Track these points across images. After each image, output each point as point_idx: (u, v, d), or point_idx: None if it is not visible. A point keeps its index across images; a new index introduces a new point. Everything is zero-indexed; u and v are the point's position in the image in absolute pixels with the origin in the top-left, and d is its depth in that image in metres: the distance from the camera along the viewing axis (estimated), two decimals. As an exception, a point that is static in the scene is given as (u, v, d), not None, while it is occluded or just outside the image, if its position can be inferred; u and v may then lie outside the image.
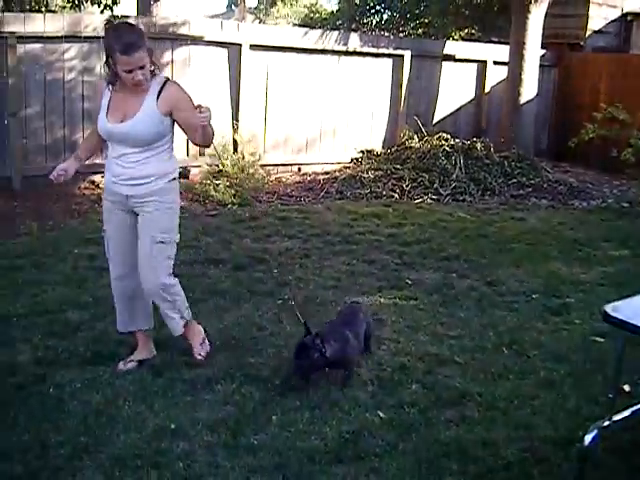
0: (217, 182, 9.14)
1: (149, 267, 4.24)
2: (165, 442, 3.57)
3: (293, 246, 7.18)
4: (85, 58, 9.37)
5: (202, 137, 4.13)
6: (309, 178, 10.87)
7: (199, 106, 3.97)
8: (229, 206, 8.64)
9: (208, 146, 4.70)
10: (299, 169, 11.29)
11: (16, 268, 6.02)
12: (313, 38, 11.22)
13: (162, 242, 4.23)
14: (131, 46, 3.89)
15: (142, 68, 3.97)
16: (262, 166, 10.25)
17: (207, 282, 5.94)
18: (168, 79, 4.27)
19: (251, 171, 9.73)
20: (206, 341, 4.56)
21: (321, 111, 11.39)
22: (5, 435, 3.59)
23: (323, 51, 11.27)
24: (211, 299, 5.55)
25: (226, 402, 3.99)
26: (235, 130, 10.32)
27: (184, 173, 9.90)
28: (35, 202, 8.40)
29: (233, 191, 8.92)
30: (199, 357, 4.47)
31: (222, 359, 4.52)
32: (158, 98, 4.10)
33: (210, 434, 3.65)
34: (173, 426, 3.70)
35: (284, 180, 10.67)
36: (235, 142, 10.28)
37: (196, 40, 10.09)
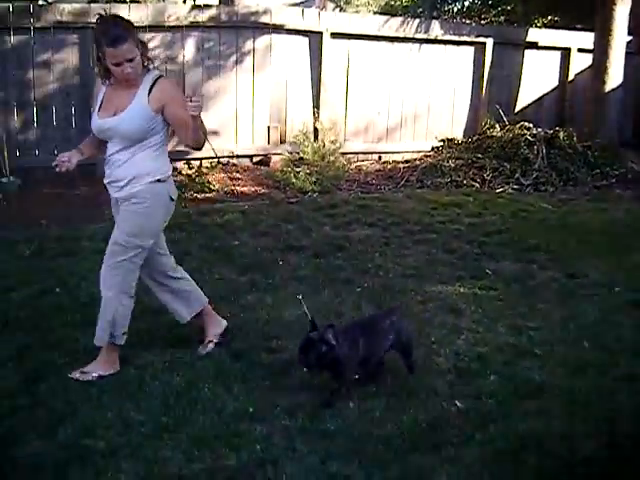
0: (298, 170, 9.21)
1: (106, 264, 4.19)
2: (243, 425, 3.65)
3: (373, 234, 7.19)
4: (168, 47, 9.56)
5: (193, 134, 4.01)
6: (389, 166, 10.86)
7: (189, 96, 3.94)
8: (309, 194, 8.70)
9: (200, 147, 4.21)
10: (379, 157, 11.29)
11: (102, 252, 6.14)
12: (394, 26, 11.17)
13: (121, 245, 4.10)
14: (117, 39, 3.86)
15: (130, 61, 3.93)
16: (342, 154, 10.28)
17: (287, 269, 6.02)
18: (161, 75, 4.18)
19: (331, 159, 9.76)
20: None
21: (402, 99, 11.35)
22: (90, 413, 3.73)
23: (404, 39, 11.21)
24: (290, 285, 5.62)
25: (304, 387, 4.04)
26: (316, 118, 10.37)
27: (265, 160, 10.05)
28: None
29: (313, 179, 8.98)
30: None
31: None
32: (149, 94, 4.02)
33: (288, 418, 3.71)
34: (251, 409, 3.78)
35: (364, 168, 10.67)
36: (316, 130, 10.33)
37: (277, 29, 10.17)
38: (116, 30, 3.91)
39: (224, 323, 4.66)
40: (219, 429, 3.60)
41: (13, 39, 9.02)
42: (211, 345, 4.51)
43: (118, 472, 3.22)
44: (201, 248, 6.51)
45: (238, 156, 10.10)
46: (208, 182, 8.88)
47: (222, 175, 9.44)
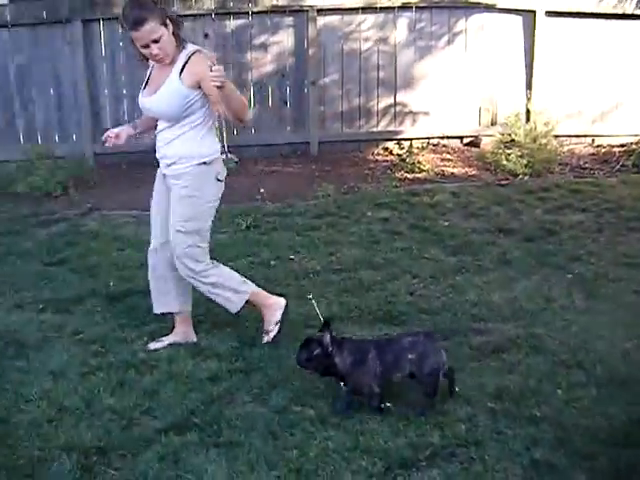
0: (509, 152, 8.98)
1: (175, 254, 4.15)
2: (449, 404, 3.61)
3: (585, 220, 6.89)
4: (381, 28, 9.62)
5: (228, 106, 3.93)
6: (603, 150, 10.34)
7: (210, 66, 3.82)
8: (520, 176, 8.47)
9: (244, 119, 4.22)
10: (593, 140, 10.78)
11: (314, 228, 6.37)
12: (612, 2, 10.59)
13: (179, 231, 4.08)
14: (137, 21, 3.78)
15: (156, 42, 3.85)
16: (555, 137, 9.91)
17: (497, 251, 5.90)
18: (197, 50, 4.01)
19: (543, 141, 9.42)
20: (277, 326, 4.33)
21: (618, 80, 10.75)
22: (300, 381, 3.82)
23: (622, 16, 10.60)
24: (500, 268, 5.52)
25: (511, 371, 3.94)
26: (528, 99, 10.06)
27: (475, 142, 9.89)
28: (331, 166, 8.82)
29: (524, 161, 8.72)
30: (265, 338, 4.31)
31: (511, 328, 4.48)
32: (182, 71, 3.93)
33: (494, 401, 3.63)
34: (458, 389, 3.73)
35: (577, 152, 10.23)
36: (528, 111, 10.02)
37: (489, 8, 9.93)
38: (135, 12, 3.81)
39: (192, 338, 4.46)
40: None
41: (233, 23, 9.45)
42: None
43: (326, 439, 3.29)
44: (411, 228, 6.53)
45: (448, 137, 10.00)
46: (418, 162, 8.85)
47: (432, 156, 9.39)
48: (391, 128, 9.63)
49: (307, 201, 7.19)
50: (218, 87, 3.80)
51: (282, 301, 4.40)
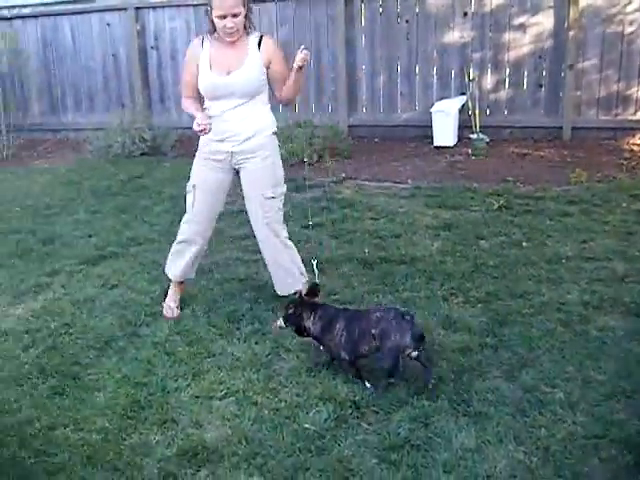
0: None
1: (263, 224, 4.50)
2: None
3: None
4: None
5: (292, 87, 4.31)
6: None
7: (300, 48, 4.13)
8: None
9: (292, 100, 4.59)
10: None
11: (566, 214, 6.27)
12: None
13: (273, 197, 4.45)
14: None
15: (235, 16, 4.14)
16: None
17: None
18: (264, 34, 4.40)
19: None
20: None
21: None
22: (551, 363, 3.84)
23: None
24: None
25: None
26: None
27: None
28: (584, 153, 8.59)
29: None
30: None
31: None
32: (259, 50, 4.29)
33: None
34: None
35: None
36: None
37: None
38: None
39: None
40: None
41: (493, 2, 9.43)
42: None
43: (574, 424, 3.31)
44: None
45: None
46: None
47: None
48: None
49: (560, 186, 7.07)
50: (300, 67, 4.19)
51: None
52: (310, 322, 3.88)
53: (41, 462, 3.23)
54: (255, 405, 3.56)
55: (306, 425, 3.37)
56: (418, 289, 4.76)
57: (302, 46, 4.18)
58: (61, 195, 7.65)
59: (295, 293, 4.18)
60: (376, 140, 9.59)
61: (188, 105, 4.42)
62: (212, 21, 4.24)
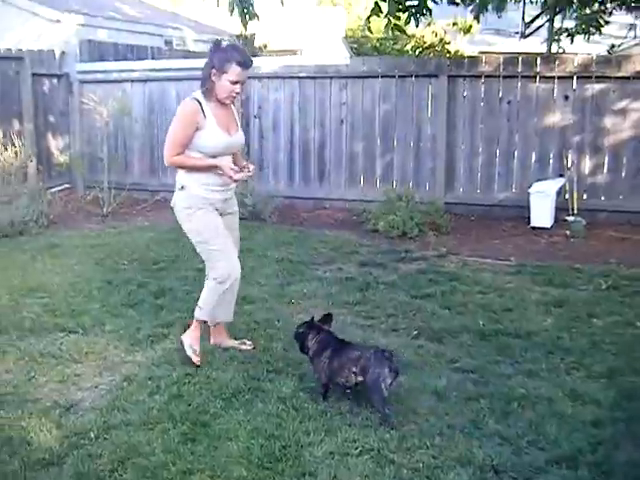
0: None
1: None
2: None
3: None
4: None
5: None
6: None
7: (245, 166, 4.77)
8: None
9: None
10: None
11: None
12: None
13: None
14: (250, 62, 4.55)
15: (242, 84, 4.59)
16: None
17: None
18: None
19: None
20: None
21: None
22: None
23: None
24: None
25: None
26: None
27: None
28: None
29: None
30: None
31: None
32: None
33: None
34: None
35: None
36: None
37: None
38: (248, 55, 4.60)
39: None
40: None
41: (594, 87, 9.55)
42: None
43: None
44: None
45: None
46: None
47: None
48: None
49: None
50: (235, 180, 4.67)
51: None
52: (310, 342, 4.44)
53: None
54: (393, 464, 3.60)
55: (448, 486, 3.41)
56: (539, 362, 4.80)
57: (252, 166, 4.78)
58: (166, 252, 7.89)
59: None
60: (472, 218, 9.70)
61: (184, 159, 4.61)
62: (214, 82, 4.53)
